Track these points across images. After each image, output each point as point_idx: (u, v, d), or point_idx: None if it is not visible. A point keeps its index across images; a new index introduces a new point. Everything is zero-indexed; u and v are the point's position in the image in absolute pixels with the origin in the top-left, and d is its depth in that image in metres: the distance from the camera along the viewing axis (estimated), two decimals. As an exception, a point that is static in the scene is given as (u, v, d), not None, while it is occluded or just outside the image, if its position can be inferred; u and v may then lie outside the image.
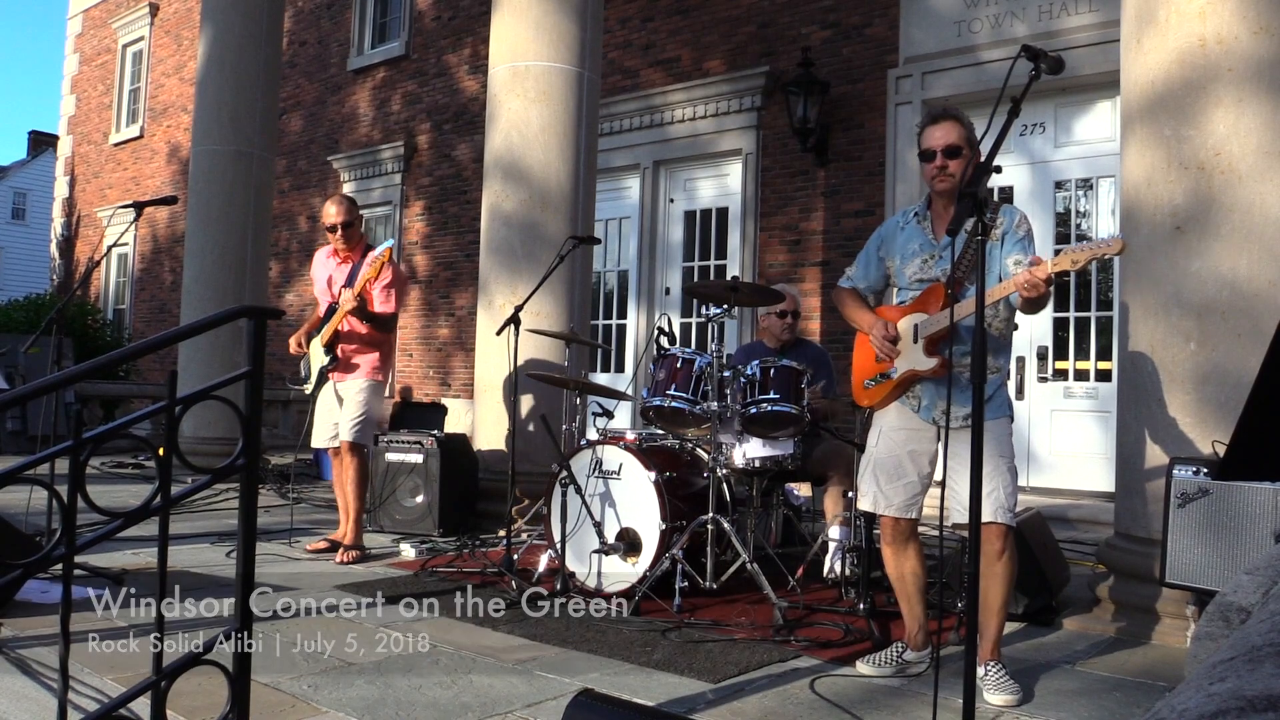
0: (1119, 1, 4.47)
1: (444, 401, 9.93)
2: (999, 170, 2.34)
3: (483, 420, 6.65)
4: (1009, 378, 3.45)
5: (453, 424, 8.61)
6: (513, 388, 5.24)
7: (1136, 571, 4.04)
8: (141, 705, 2.11)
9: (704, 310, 4.59)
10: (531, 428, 5.92)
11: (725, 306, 4.42)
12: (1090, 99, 7.35)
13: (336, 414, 5.38)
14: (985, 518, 3.04)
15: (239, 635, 2.24)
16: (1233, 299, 3.87)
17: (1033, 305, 3.11)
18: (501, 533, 5.42)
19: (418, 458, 6.11)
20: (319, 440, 5.52)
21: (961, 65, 7.83)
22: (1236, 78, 3.93)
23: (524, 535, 5.49)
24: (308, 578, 4.71)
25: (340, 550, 5.23)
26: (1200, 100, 3.99)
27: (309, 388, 5.47)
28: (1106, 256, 2.88)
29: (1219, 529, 3.42)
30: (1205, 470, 3.48)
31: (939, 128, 3.32)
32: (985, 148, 2.41)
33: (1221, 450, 3.38)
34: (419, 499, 6.07)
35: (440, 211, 11.62)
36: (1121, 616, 4.10)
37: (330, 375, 5.38)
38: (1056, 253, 3.15)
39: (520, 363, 5.13)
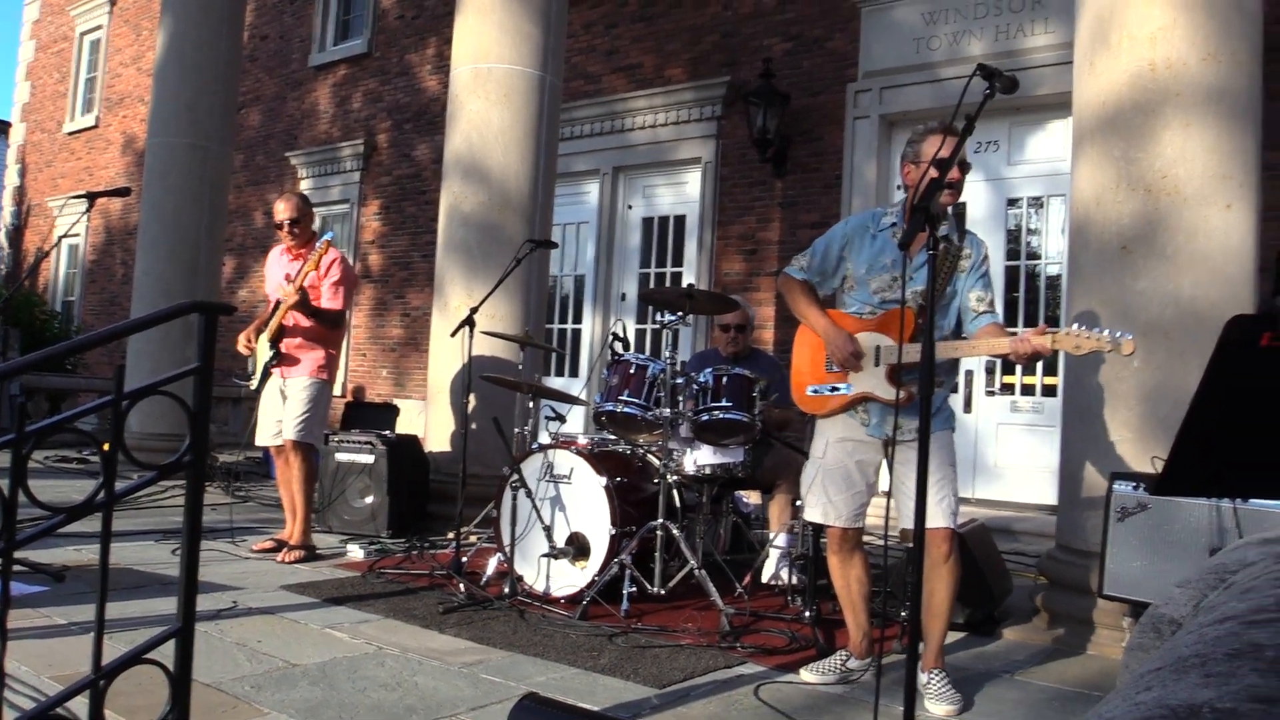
0: (1074, 23, 4.54)
1: (397, 402, 9.84)
2: (950, 186, 2.36)
3: (435, 421, 6.60)
4: (955, 390, 3.49)
5: (405, 425, 8.52)
6: (465, 389, 5.20)
7: (1076, 583, 4.11)
8: (80, 704, 2.06)
9: (659, 317, 4.59)
10: (483, 430, 5.87)
11: (680, 314, 4.43)
12: (1044, 118, 7.47)
13: (281, 411, 5.31)
14: (932, 523, 3.09)
15: (181, 635, 2.20)
16: (1177, 318, 3.95)
17: (1029, 361, 3.16)
18: (451, 535, 5.38)
19: (368, 458, 6.05)
20: (263, 438, 5.44)
21: (920, 81, 7.91)
22: (1185, 102, 4.02)
23: (473, 538, 5.46)
24: (253, 577, 4.63)
25: (286, 550, 5.15)
26: (1150, 123, 4.07)
27: (254, 384, 5.39)
28: (1109, 352, 2.88)
29: (1157, 543, 3.48)
30: (1145, 485, 3.55)
31: (941, 141, 3.18)
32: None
33: (1161, 466, 3.44)
34: (368, 500, 6.00)
35: (398, 211, 11.53)
36: (1060, 627, 4.16)
37: (274, 371, 5.30)
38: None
39: (474, 365, 5.09)
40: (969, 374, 7.48)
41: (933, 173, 2.41)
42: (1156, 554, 3.47)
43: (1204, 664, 0.54)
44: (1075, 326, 2.97)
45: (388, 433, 6.27)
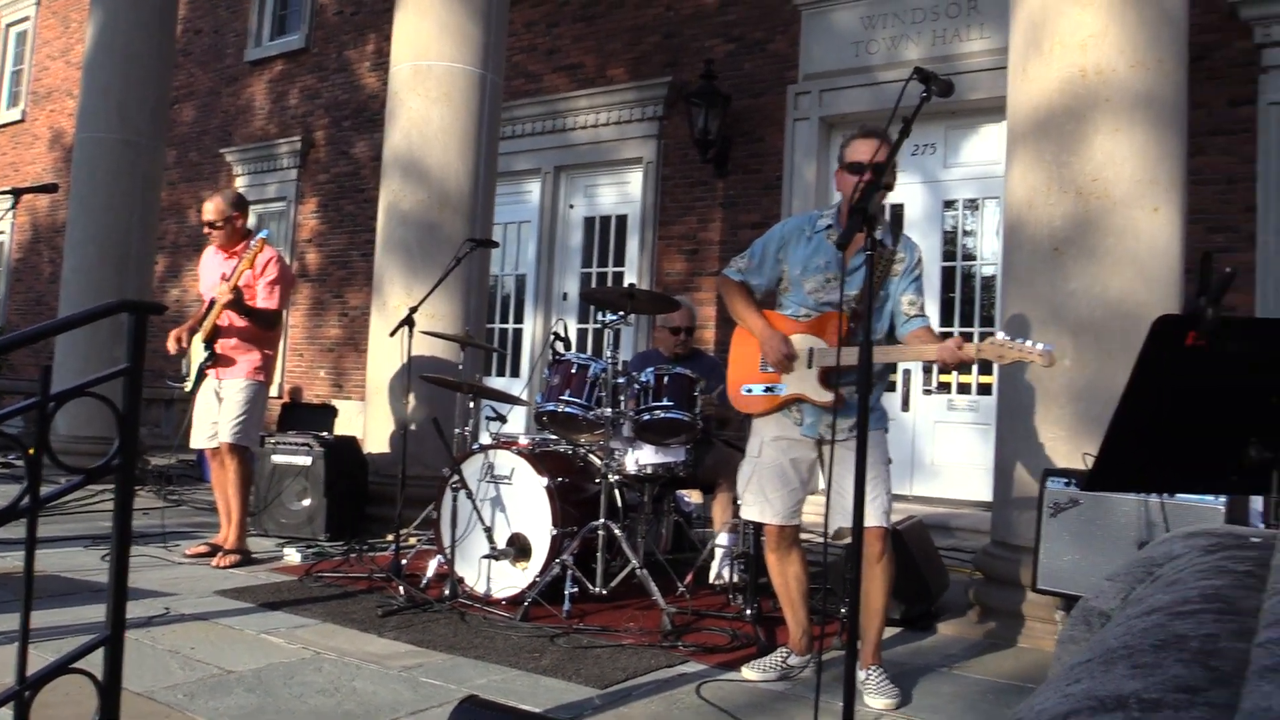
0: (1008, 29, 4.63)
1: (335, 403, 9.71)
2: (890, 188, 2.39)
3: (374, 422, 6.52)
4: (892, 389, 3.52)
5: (344, 426, 8.42)
6: (405, 390, 5.14)
7: (1009, 578, 4.19)
8: (4, 717, 2.00)
9: (601, 317, 4.59)
10: (423, 431, 5.81)
11: (621, 313, 4.42)
12: (979, 122, 7.60)
13: (215, 413, 5.21)
14: (866, 522, 3.12)
15: (111, 642, 2.14)
16: (1106, 318, 4.05)
17: (952, 368, 3.23)
18: (390, 537, 5.32)
19: (305, 460, 5.96)
20: (198, 440, 5.33)
21: (859, 84, 8.01)
22: (1114, 108, 4.12)
23: (413, 540, 5.40)
24: (186, 583, 4.54)
25: (220, 554, 5.05)
26: (1081, 127, 4.16)
27: (188, 386, 5.28)
28: (1030, 362, 2.94)
29: (1088, 538, 3.56)
30: (1077, 482, 3.62)
31: (867, 143, 3.31)
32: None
33: (1091, 463, 3.52)
34: (306, 502, 5.91)
35: (336, 209, 11.37)
36: (993, 620, 4.24)
37: (209, 373, 5.20)
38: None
39: (414, 365, 5.04)
40: (906, 373, 7.59)
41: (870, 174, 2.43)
42: (1088, 548, 3.55)
43: (1131, 655, 0.55)
44: (1000, 336, 3.03)
45: (326, 434, 6.18)
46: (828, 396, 3.29)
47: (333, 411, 8.63)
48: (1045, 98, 4.28)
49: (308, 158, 11.65)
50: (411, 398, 5.18)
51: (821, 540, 3.60)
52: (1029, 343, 2.94)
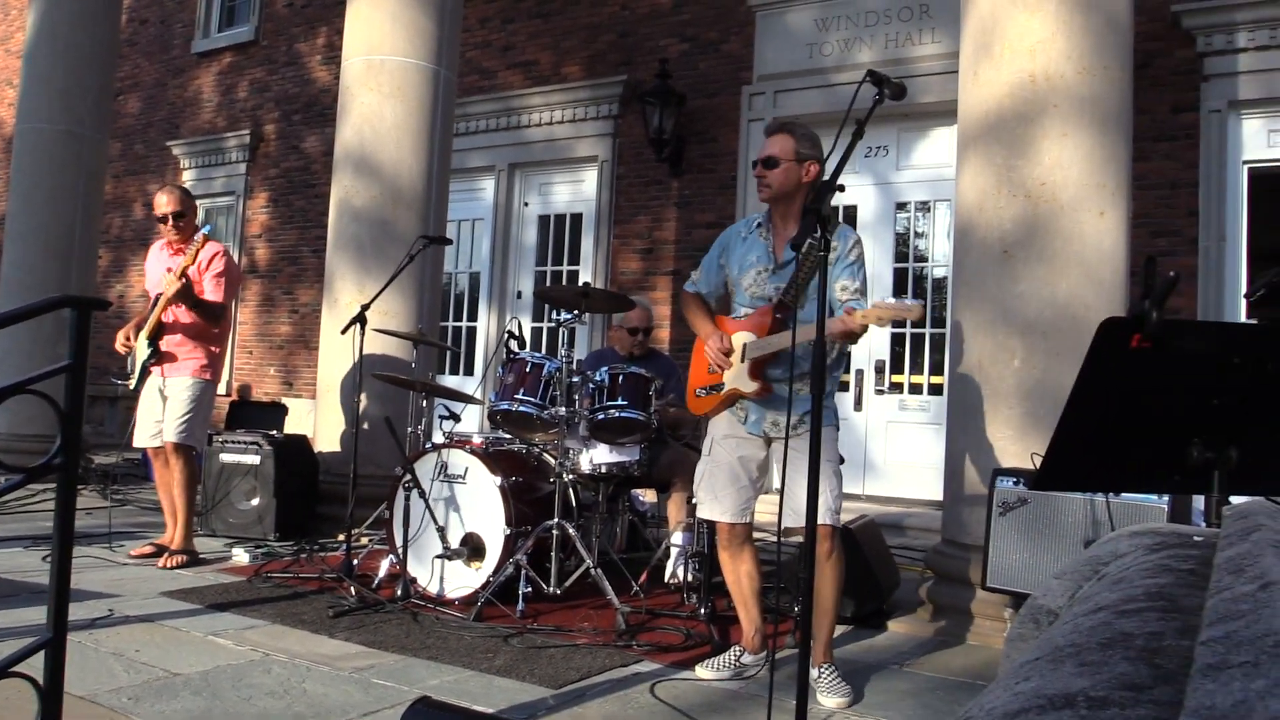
0: (959, 34, 4.69)
1: (286, 401, 9.58)
2: (842, 189, 2.42)
3: (324, 421, 6.45)
4: (844, 388, 3.53)
5: (295, 424, 8.31)
6: (356, 388, 5.09)
7: (959, 576, 4.25)
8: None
9: (555, 315, 4.57)
10: (375, 430, 5.76)
11: (576, 312, 4.42)
12: (931, 125, 7.69)
13: (160, 412, 5.11)
14: (821, 520, 3.14)
15: (52, 645, 2.10)
16: (1054, 319, 4.12)
17: (848, 339, 3.24)
18: (341, 537, 5.27)
19: (254, 459, 5.88)
20: (141, 439, 5.23)
21: (812, 86, 8.07)
22: (1062, 113, 4.20)
23: (365, 540, 5.35)
24: (131, 584, 4.46)
25: (166, 555, 4.97)
26: (1030, 131, 4.23)
27: (133, 383, 5.18)
28: (904, 319, 3.00)
29: (1036, 536, 3.62)
30: (1025, 481, 3.69)
31: (768, 140, 3.46)
32: (830, 167, 2.48)
33: (1039, 462, 3.59)
34: (255, 502, 5.83)
35: (286, 204, 11.22)
36: (943, 618, 4.29)
37: (153, 370, 5.10)
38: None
39: (366, 363, 4.99)
40: (859, 373, 7.66)
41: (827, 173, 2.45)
42: (1036, 546, 3.61)
43: (1079, 653, 0.57)
44: (879, 299, 3.11)
45: (275, 433, 6.10)
46: (753, 386, 3.34)
47: (283, 410, 8.50)
48: (995, 102, 4.35)
49: (257, 152, 11.49)
50: (363, 396, 5.13)
51: (775, 539, 3.62)
52: (903, 300, 3.03)
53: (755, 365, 3.34)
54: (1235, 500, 1.76)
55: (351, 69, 6.48)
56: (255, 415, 8.17)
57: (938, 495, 6.95)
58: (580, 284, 4.53)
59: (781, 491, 3.31)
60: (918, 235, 7.89)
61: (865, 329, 3.08)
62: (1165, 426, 1.75)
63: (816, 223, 2.25)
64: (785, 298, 3.28)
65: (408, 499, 4.31)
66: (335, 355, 6.20)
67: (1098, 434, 1.77)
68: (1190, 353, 1.68)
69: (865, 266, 3.41)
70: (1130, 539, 1.09)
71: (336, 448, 6.28)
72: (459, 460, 4.43)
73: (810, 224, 2.26)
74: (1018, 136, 4.27)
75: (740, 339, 3.41)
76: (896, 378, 7.69)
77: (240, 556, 5.20)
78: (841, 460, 3.56)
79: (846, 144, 2.46)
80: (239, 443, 5.96)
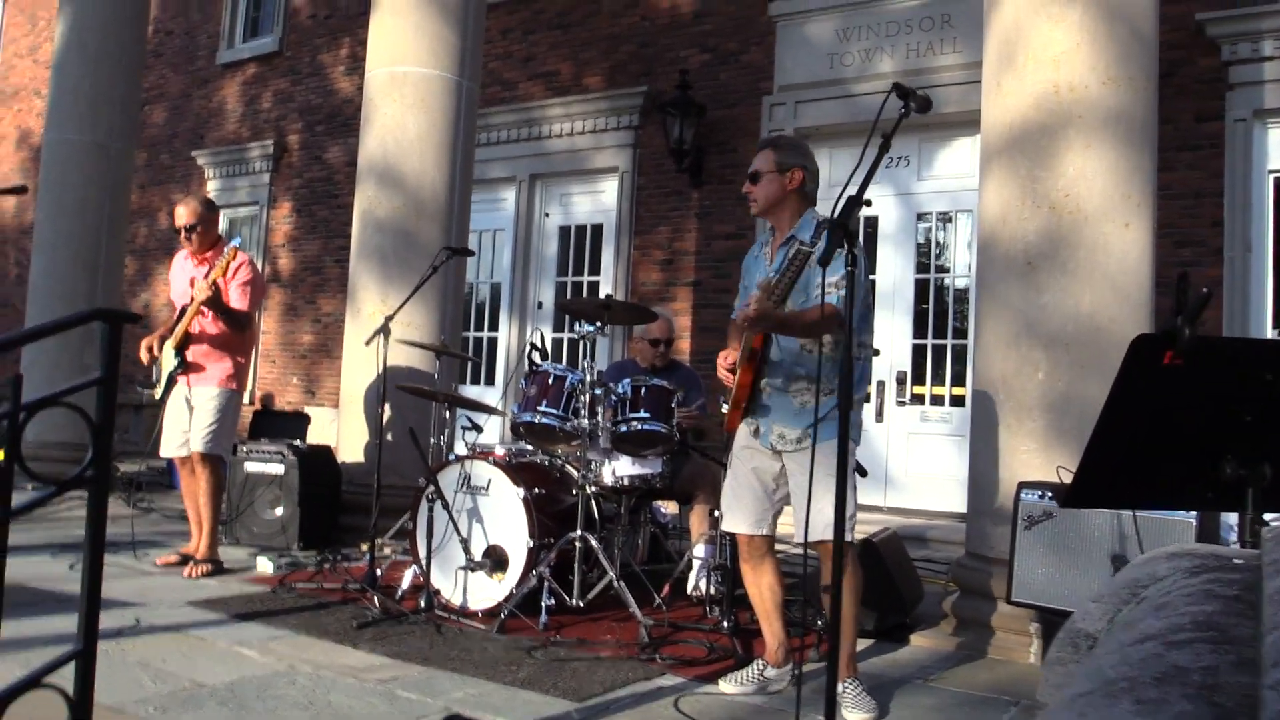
0: (982, 44, 4.68)
1: (308, 410, 9.63)
2: (869, 203, 2.41)
3: (347, 431, 6.47)
4: (868, 400, 3.47)
5: (317, 434, 8.36)
6: (379, 398, 5.11)
7: (983, 590, 4.22)
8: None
9: (577, 327, 4.58)
10: (398, 441, 5.78)
11: (598, 324, 4.42)
12: (952, 135, 7.66)
13: (186, 422, 5.15)
14: (819, 536, 3.11)
15: (82, 657, 2.11)
16: (1078, 332, 4.09)
17: (802, 332, 3.29)
18: (364, 548, 5.28)
19: (278, 469, 5.91)
20: (168, 449, 5.27)
21: (832, 96, 8.06)
22: (1086, 124, 4.17)
23: (388, 551, 5.36)
24: (157, 593, 4.49)
25: (192, 564, 5.00)
26: (1054, 143, 4.21)
27: (158, 393, 5.23)
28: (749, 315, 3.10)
29: (1062, 551, 3.59)
30: (1051, 494, 3.66)
31: (758, 155, 3.50)
32: (857, 181, 2.48)
33: (1066, 476, 3.57)
34: (278, 511, 5.86)
35: (309, 214, 11.29)
36: (967, 632, 4.26)
37: (180, 380, 5.14)
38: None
39: (389, 374, 5.01)
40: (880, 384, 7.63)
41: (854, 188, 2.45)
42: (1061, 561, 3.58)
43: (1133, 688, 0.56)
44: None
45: (298, 442, 6.13)
46: (731, 392, 3.41)
47: (305, 419, 8.56)
48: (1019, 113, 4.33)
49: (280, 162, 11.57)
50: (387, 407, 5.14)
51: (798, 550, 3.60)
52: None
53: (743, 371, 3.37)
54: (1271, 519, 1.74)
55: (375, 80, 6.53)
56: (278, 424, 8.23)
57: (960, 507, 6.92)
58: (602, 295, 4.54)
59: (806, 504, 3.29)
60: (939, 245, 7.86)
61: (764, 315, 3.11)
62: (1197, 443, 1.74)
63: (843, 237, 2.24)
64: (768, 285, 3.26)
65: (431, 510, 4.32)
66: (358, 366, 6.23)
67: (1129, 451, 1.76)
68: (1223, 369, 1.67)
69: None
70: (1168, 561, 1.08)
71: (359, 458, 6.31)
72: (482, 472, 4.44)
73: (837, 238, 2.26)
74: (1041, 148, 4.25)
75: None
76: (918, 389, 7.66)
77: (264, 566, 5.22)
78: (863, 473, 3.54)
79: (873, 158, 2.45)
80: (263, 452, 6.00)
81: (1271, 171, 6.57)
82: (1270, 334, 6.41)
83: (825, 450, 3.05)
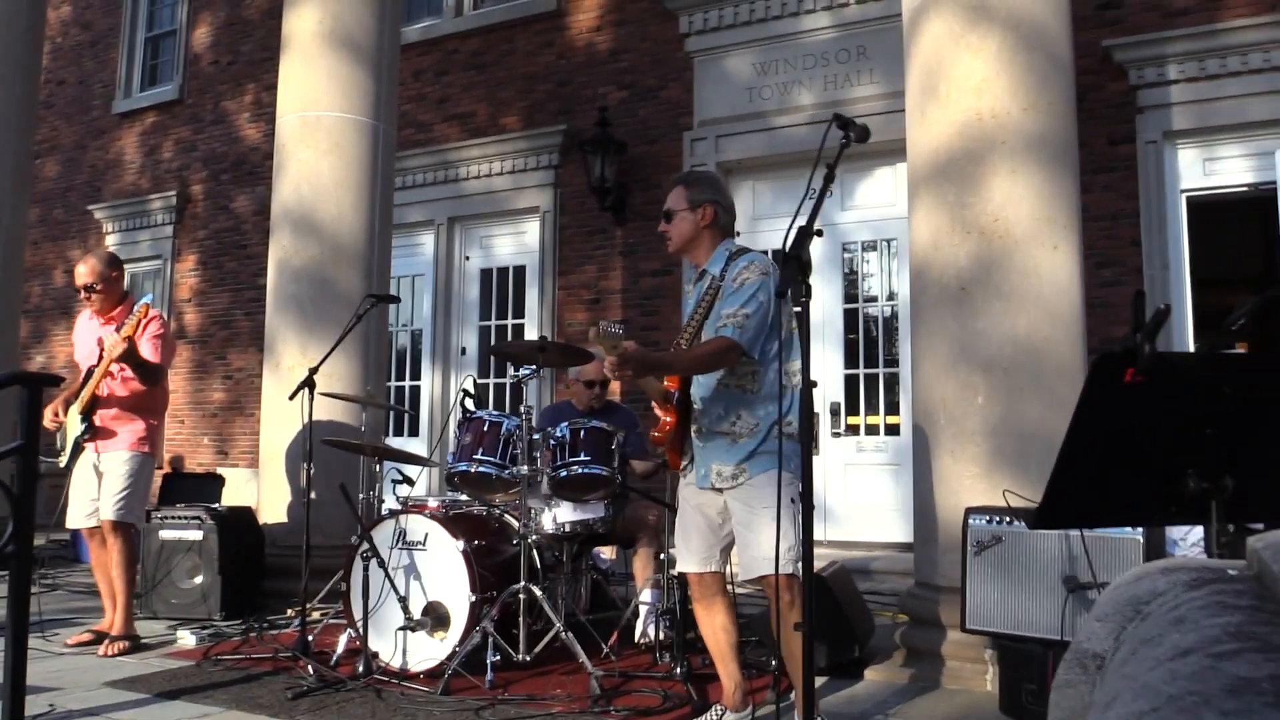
0: (898, 74, 4.82)
1: (222, 471, 9.36)
2: (820, 234, 2.45)
3: (269, 491, 6.30)
4: (789, 431, 3.34)
5: (233, 495, 8.13)
6: (304, 454, 4.98)
7: (934, 619, 4.26)
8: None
9: (512, 371, 4.55)
10: (325, 498, 5.64)
11: (534, 367, 4.40)
12: (872, 165, 7.83)
13: (95, 490, 4.96)
14: (764, 571, 3.13)
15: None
16: (1015, 355, 4.20)
17: (690, 368, 3.38)
18: (292, 613, 5.13)
19: (195, 534, 5.71)
20: (75, 520, 5.06)
21: (753, 130, 8.19)
22: (1010, 150, 4.31)
23: (318, 615, 5.21)
24: (71, 674, 4.28)
25: (107, 642, 4.78)
26: (980, 169, 4.34)
27: (64, 460, 5.02)
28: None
29: (1012, 575, 3.65)
30: (998, 519, 3.72)
31: (672, 192, 3.60)
32: (806, 212, 2.51)
33: (1012, 500, 3.64)
34: (198, 580, 5.65)
35: (216, 266, 11.05)
36: (919, 662, 4.28)
37: (87, 446, 4.95)
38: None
39: (313, 428, 4.89)
40: (814, 416, 7.69)
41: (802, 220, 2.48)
42: (1012, 585, 3.64)
43: (1208, 701, 0.57)
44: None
45: (216, 505, 5.95)
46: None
47: (219, 480, 8.31)
48: (944, 140, 4.46)
49: (184, 213, 11.32)
50: (313, 462, 5.02)
51: (749, 590, 3.61)
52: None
53: (668, 409, 3.43)
54: (1259, 529, 1.79)
55: (286, 126, 6.45)
56: (191, 488, 7.97)
57: (901, 537, 7.03)
58: (538, 337, 4.52)
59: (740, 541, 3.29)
60: (865, 275, 8.01)
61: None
62: (1161, 459, 1.79)
63: (798, 268, 2.27)
64: (682, 339, 3.37)
65: (366, 569, 4.21)
66: (279, 421, 6.08)
67: (1095, 469, 1.80)
68: (1183, 385, 1.72)
69: (763, 294, 3.29)
70: (1164, 576, 1.10)
71: (283, 519, 6.14)
72: (418, 526, 4.35)
73: (792, 270, 2.29)
74: (968, 174, 4.37)
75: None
76: (852, 419, 7.76)
77: (186, 639, 5.03)
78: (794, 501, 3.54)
79: (819, 188, 2.50)
80: (179, 518, 5.79)
81: (1184, 191, 6.85)
82: (1191, 348, 6.65)
83: (761, 483, 3.09)
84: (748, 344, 3.24)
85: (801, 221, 2.43)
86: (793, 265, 2.28)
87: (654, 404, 3.51)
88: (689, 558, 3.47)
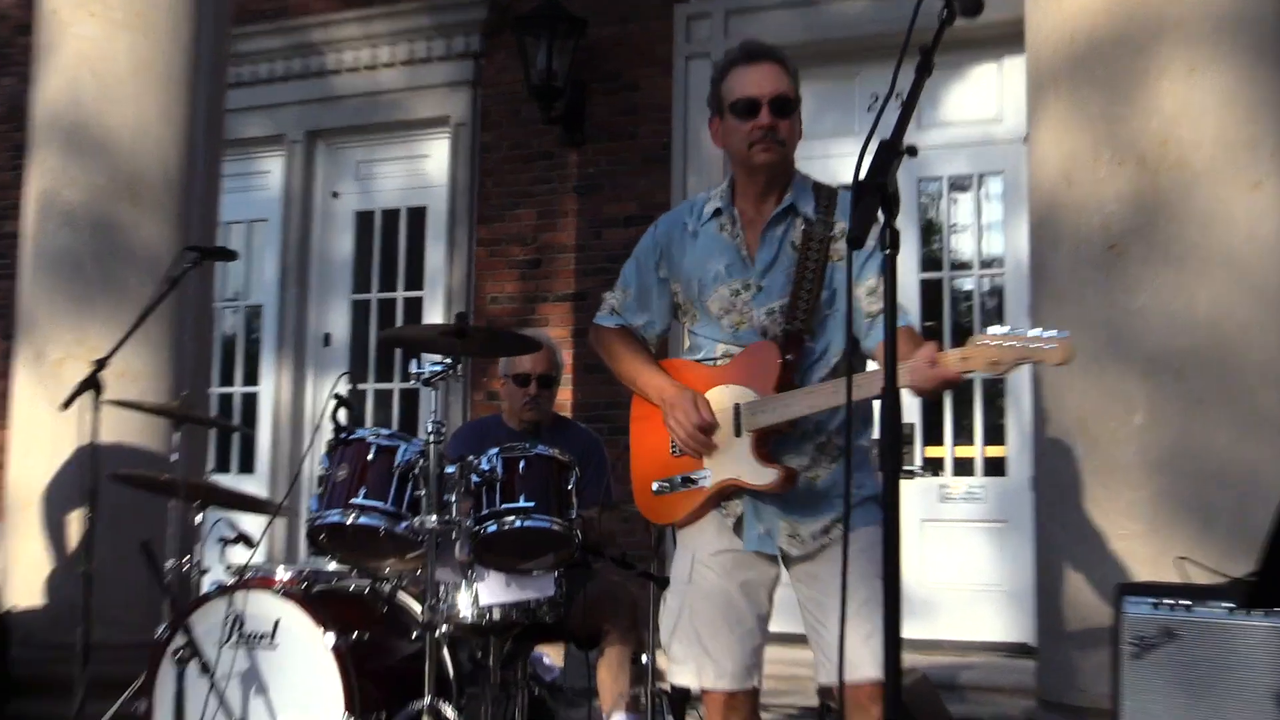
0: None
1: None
2: (914, 152, 2.44)
3: (20, 557, 6.24)
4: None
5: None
6: (82, 496, 4.96)
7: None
8: None
9: (413, 368, 4.49)
10: (115, 566, 5.59)
11: (448, 361, 4.36)
12: (967, 59, 7.83)
13: None
14: (857, 674, 3.12)
15: None
16: (1192, 349, 4.22)
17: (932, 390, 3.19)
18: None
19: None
20: None
21: (783, 4, 8.19)
22: (1188, 35, 4.33)
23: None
24: None
25: None
26: (1139, 65, 4.36)
27: None
28: (1039, 363, 2.97)
29: (1193, 685, 3.66)
30: (1169, 601, 3.73)
31: (758, 69, 3.41)
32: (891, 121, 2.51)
33: (1193, 571, 3.65)
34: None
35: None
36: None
37: None
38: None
39: (99, 454, 4.87)
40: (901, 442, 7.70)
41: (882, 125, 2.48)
42: (1195, 704, 3.64)
43: None
44: (992, 330, 3.01)
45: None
46: (769, 476, 3.31)
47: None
48: (1086, 21, 4.48)
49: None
50: (93, 510, 5.00)
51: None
52: (1034, 332, 2.91)
53: (763, 441, 3.32)
54: None
55: (59, -15, 6.41)
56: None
57: (1012, 634, 7.05)
58: (454, 316, 4.50)
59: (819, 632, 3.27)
60: (952, 226, 8.02)
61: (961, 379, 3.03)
62: None
63: (880, 205, 2.26)
64: (793, 324, 3.29)
65: (181, 678, 4.19)
66: (39, 443, 6.04)
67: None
68: None
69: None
70: None
71: (40, 600, 6.08)
72: (264, 609, 4.35)
73: (870, 206, 2.27)
74: (1121, 73, 4.40)
75: (727, 397, 3.37)
76: (932, 450, 7.76)
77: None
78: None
79: (909, 88, 2.50)
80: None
81: None
82: None
83: (863, 542, 3.10)
84: None
85: (885, 135, 2.40)
86: (872, 200, 2.26)
87: (677, 418, 3.40)
88: (712, 669, 3.42)
